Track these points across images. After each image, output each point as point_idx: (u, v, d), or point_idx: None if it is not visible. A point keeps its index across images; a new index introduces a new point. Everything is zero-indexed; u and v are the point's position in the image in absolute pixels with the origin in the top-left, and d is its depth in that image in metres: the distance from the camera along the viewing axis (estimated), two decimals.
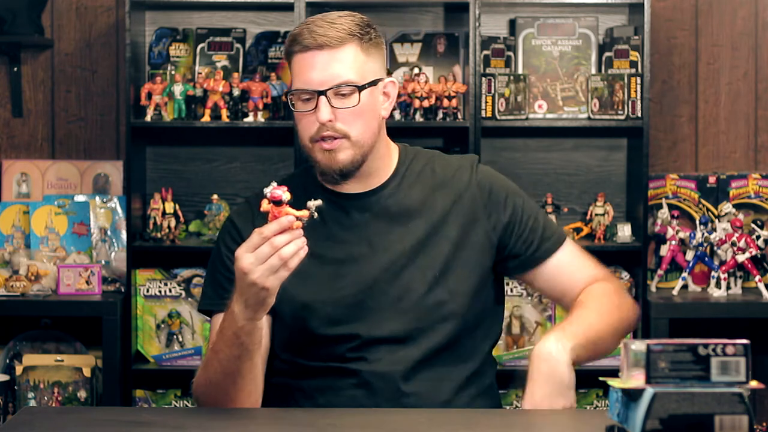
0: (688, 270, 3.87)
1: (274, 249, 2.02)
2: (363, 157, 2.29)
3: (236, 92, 3.83)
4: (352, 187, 2.34)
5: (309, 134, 2.27)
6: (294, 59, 2.28)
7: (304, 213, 2.04)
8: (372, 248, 2.30)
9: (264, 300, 2.07)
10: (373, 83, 2.29)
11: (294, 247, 2.02)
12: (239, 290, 2.08)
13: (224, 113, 3.81)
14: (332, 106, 2.24)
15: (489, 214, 2.35)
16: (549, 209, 3.90)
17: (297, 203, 2.08)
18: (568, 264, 2.40)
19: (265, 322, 2.28)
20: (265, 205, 2.04)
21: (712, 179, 3.97)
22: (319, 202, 2.05)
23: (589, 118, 3.90)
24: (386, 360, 2.27)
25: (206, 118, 3.81)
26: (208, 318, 2.39)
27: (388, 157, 2.38)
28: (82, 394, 3.73)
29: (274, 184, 2.05)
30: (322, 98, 2.24)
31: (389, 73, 2.40)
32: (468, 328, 2.32)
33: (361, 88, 2.25)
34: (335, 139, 2.26)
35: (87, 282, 3.78)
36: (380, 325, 2.28)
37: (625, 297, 2.41)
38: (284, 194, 2.03)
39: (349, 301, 2.29)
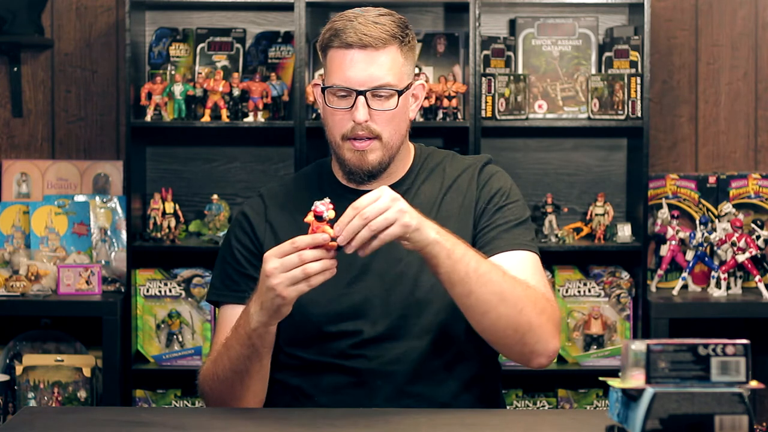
0: (688, 270, 3.87)
1: (301, 261, 2.03)
2: (390, 159, 2.31)
3: (236, 92, 3.83)
4: (367, 184, 2.34)
5: (341, 131, 2.27)
6: (332, 53, 2.27)
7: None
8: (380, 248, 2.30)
9: (279, 308, 2.07)
10: (408, 87, 2.30)
11: (320, 266, 2.03)
12: (259, 291, 2.10)
13: (224, 113, 3.80)
14: (369, 107, 2.25)
15: (476, 204, 2.35)
16: (549, 209, 3.90)
17: (313, 198, 2.10)
18: (512, 270, 2.23)
19: None
20: (309, 217, 2.05)
21: (712, 179, 3.96)
22: None
23: (589, 118, 3.90)
24: (388, 358, 2.27)
25: (206, 118, 3.81)
26: (210, 309, 2.39)
27: (407, 156, 2.39)
28: (82, 394, 3.73)
29: (327, 200, 2.06)
30: (361, 98, 2.24)
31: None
32: (472, 329, 2.31)
33: (400, 93, 2.27)
34: (367, 139, 2.26)
35: (87, 282, 3.78)
36: (384, 323, 2.28)
37: (546, 321, 2.20)
38: (327, 211, 2.04)
39: (355, 298, 2.29)
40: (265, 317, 2.10)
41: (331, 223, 2.05)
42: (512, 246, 2.30)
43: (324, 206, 2.05)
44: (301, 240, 2.04)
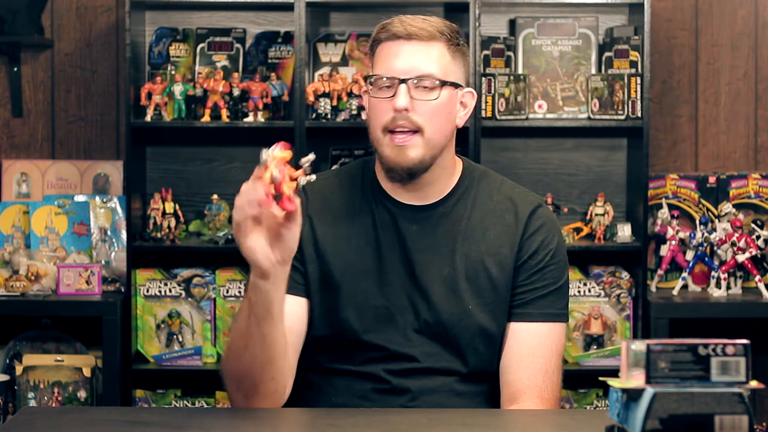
0: (688, 270, 3.87)
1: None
2: (432, 159, 2.25)
3: (236, 92, 3.83)
4: (407, 197, 2.30)
5: (382, 123, 2.23)
6: (380, 47, 2.27)
7: (297, 173, 2.03)
8: (411, 266, 2.28)
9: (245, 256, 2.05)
10: (454, 85, 2.26)
11: (237, 214, 2.04)
12: None
13: (224, 113, 3.81)
14: (411, 97, 2.22)
15: (519, 252, 2.31)
16: (549, 209, 3.90)
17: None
18: (532, 346, 2.28)
19: (298, 305, 2.27)
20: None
21: (712, 179, 3.96)
22: (311, 156, 2.02)
23: (589, 118, 3.90)
24: (405, 378, 2.26)
25: (206, 118, 3.81)
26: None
27: (451, 171, 2.34)
28: (82, 394, 3.73)
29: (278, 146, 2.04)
30: (402, 86, 2.21)
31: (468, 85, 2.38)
32: (491, 362, 2.30)
33: (443, 84, 2.23)
34: (408, 132, 2.22)
35: (87, 282, 3.78)
36: (405, 344, 2.27)
37: None
38: (264, 153, 2.04)
39: (380, 313, 2.27)
40: (251, 266, 2.06)
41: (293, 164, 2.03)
42: (542, 317, 2.28)
43: (271, 149, 2.03)
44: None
